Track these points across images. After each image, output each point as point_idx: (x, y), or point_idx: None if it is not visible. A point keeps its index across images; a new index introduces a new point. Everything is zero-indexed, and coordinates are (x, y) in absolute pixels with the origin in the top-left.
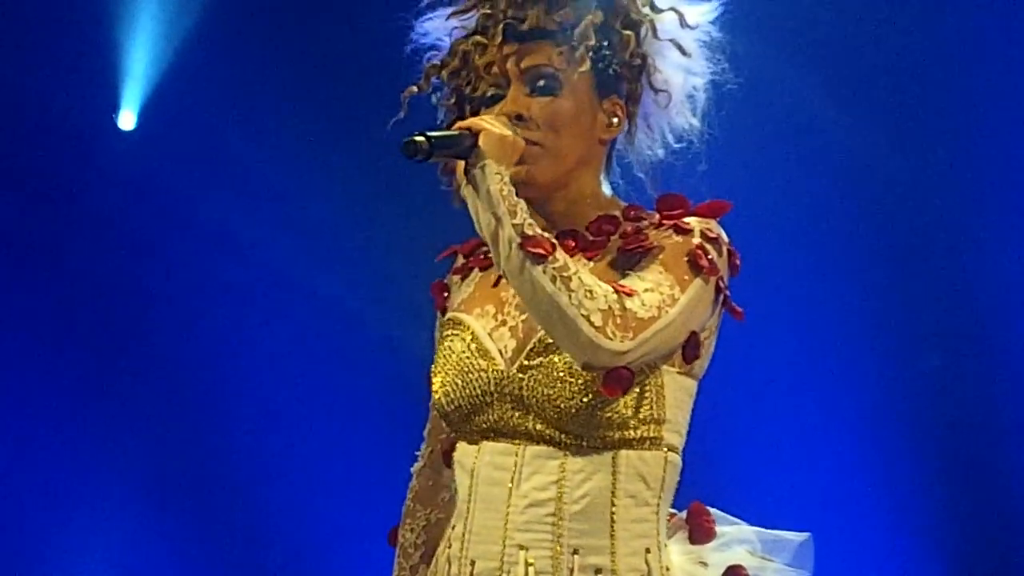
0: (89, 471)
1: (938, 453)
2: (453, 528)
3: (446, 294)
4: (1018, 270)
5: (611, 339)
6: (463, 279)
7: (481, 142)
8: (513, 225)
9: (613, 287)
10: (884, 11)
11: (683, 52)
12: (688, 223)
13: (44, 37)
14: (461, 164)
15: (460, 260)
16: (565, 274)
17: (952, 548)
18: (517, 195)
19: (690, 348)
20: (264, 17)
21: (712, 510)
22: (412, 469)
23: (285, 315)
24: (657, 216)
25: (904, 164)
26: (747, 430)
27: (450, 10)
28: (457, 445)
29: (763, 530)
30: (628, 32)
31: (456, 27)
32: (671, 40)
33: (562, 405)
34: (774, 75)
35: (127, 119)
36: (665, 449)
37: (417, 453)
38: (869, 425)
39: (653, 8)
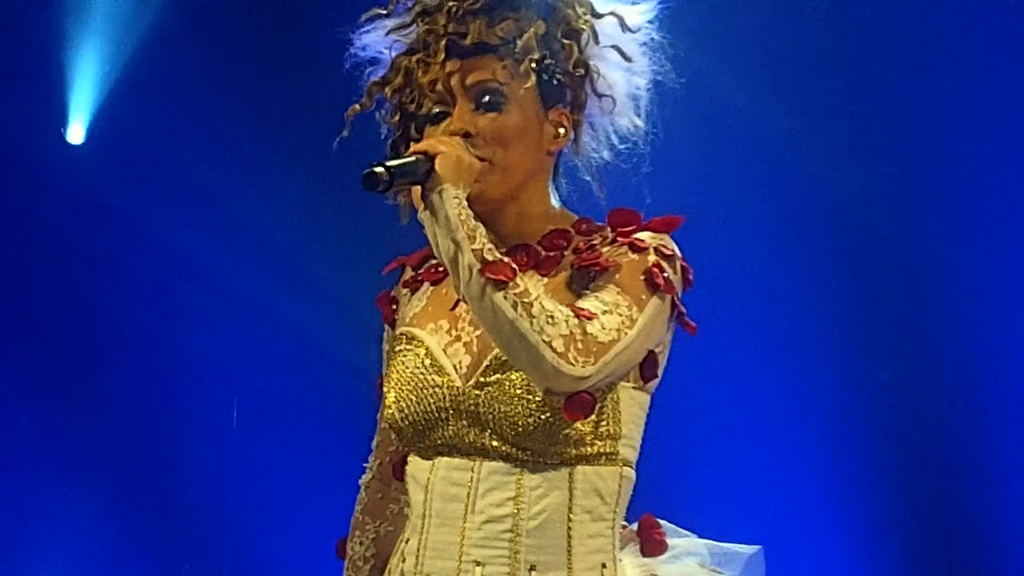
0: (43, 484)
1: (892, 466)
2: (406, 543)
3: (394, 307)
4: (972, 283)
5: (573, 365)
6: (412, 292)
7: (438, 166)
8: (472, 250)
9: (573, 311)
10: (840, 13)
11: (625, 58)
12: (643, 240)
13: None
14: (417, 189)
15: (408, 273)
16: (526, 300)
17: (906, 561)
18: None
19: (648, 367)
20: (215, 30)
21: (663, 523)
22: (360, 481)
23: (235, 329)
24: (609, 231)
25: (860, 176)
26: (699, 442)
27: (389, 25)
28: (410, 459)
29: (714, 543)
30: (570, 42)
31: (396, 40)
32: (613, 46)
33: (520, 422)
34: (725, 78)
35: (76, 132)
36: (621, 464)
37: (365, 465)
38: (822, 438)
39: (594, 14)
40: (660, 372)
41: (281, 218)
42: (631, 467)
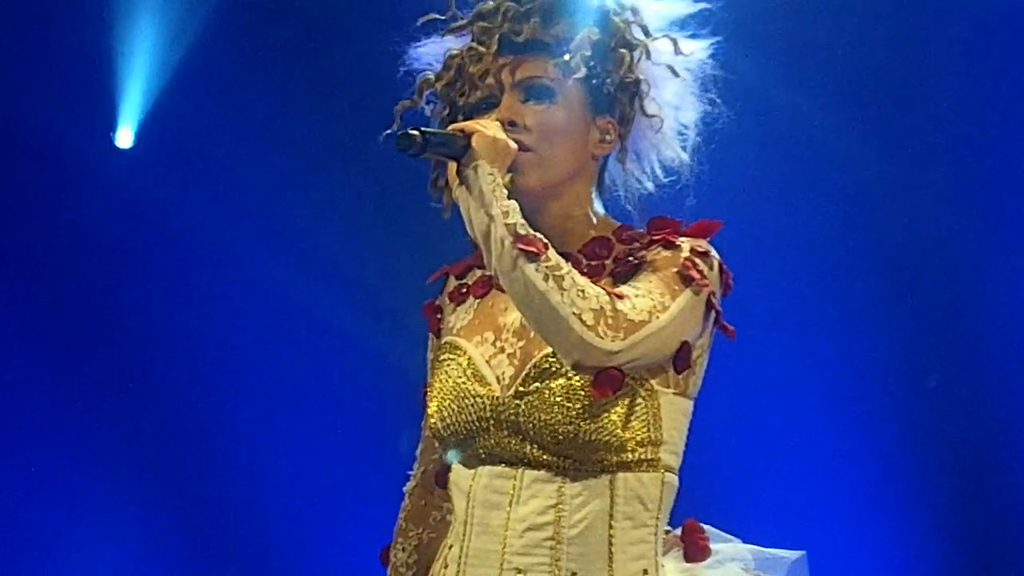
0: (79, 484)
1: (938, 472)
2: (450, 548)
3: (439, 316)
4: (1018, 289)
5: (602, 339)
6: (457, 305)
7: (474, 142)
8: (506, 224)
9: (604, 289)
10: (880, 28)
11: (675, 74)
12: (676, 240)
13: (44, 56)
14: (453, 165)
15: (452, 283)
16: (557, 273)
17: (951, 568)
18: (529, 210)
19: (681, 359)
20: (261, 36)
21: (706, 527)
22: (404, 488)
23: (279, 331)
24: (647, 237)
25: (904, 183)
26: (743, 448)
27: (444, 31)
28: (453, 467)
29: (757, 548)
30: (623, 51)
31: (450, 49)
32: (666, 64)
33: (560, 430)
34: (768, 95)
35: (125, 137)
36: (663, 470)
37: (410, 473)
38: (866, 444)
39: (647, 34)
40: (699, 376)
41: (330, 222)
42: (674, 473)
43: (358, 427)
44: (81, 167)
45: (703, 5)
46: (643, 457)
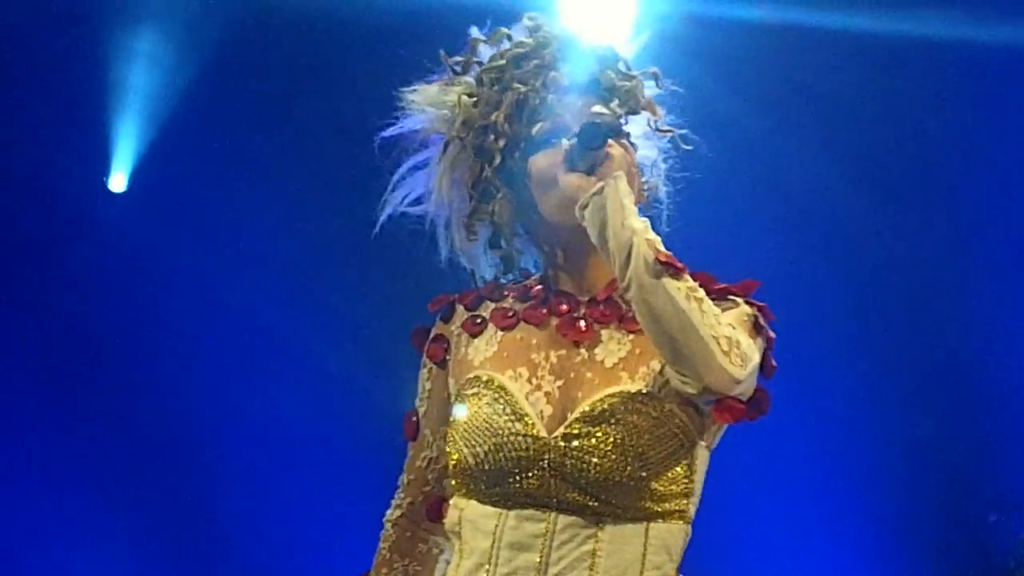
0: (79, 500)
1: (932, 519)
2: None
3: (445, 346)
4: (1010, 341)
5: (734, 366)
6: (473, 335)
7: (615, 152)
8: (647, 239)
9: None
10: (880, 85)
11: (658, 128)
12: (732, 296)
13: (39, 102)
14: (573, 176)
15: (463, 314)
16: (697, 295)
17: None
18: (576, 240)
19: (757, 405)
20: (254, 84)
21: None
22: (386, 518)
23: (267, 367)
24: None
25: (898, 238)
26: (735, 497)
27: (437, 81)
28: (462, 503)
29: None
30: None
31: (443, 100)
32: (652, 128)
33: (615, 477)
34: (756, 136)
35: (118, 181)
36: (687, 522)
37: (393, 502)
38: (864, 492)
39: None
40: (722, 426)
41: (316, 263)
42: (690, 525)
43: (343, 458)
44: (75, 210)
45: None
46: (676, 508)
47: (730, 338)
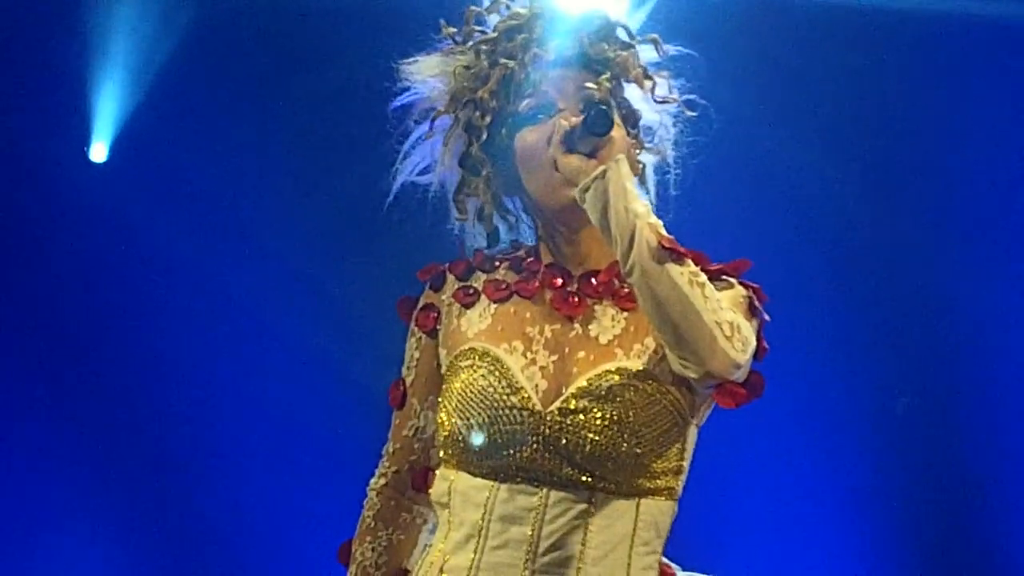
0: (64, 491)
1: (905, 494)
2: (447, 558)
3: (435, 315)
4: (983, 317)
5: (735, 351)
6: (465, 307)
7: (616, 135)
8: (650, 224)
9: None
10: (862, 70)
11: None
12: (727, 277)
13: (18, 71)
14: (573, 159)
15: (454, 283)
16: (700, 280)
17: None
18: (566, 217)
19: (754, 387)
20: (235, 54)
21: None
22: (370, 486)
23: (249, 342)
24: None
25: (873, 212)
26: (709, 478)
27: (472, 44)
28: (451, 474)
29: None
30: (644, 80)
31: (440, 76)
32: (655, 100)
33: (612, 453)
34: (740, 120)
35: (99, 151)
36: (675, 499)
37: (377, 471)
38: (839, 471)
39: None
40: (710, 405)
41: (298, 236)
42: (677, 503)
43: (325, 435)
44: (55, 180)
45: (680, 49)
46: (667, 485)
47: (732, 323)
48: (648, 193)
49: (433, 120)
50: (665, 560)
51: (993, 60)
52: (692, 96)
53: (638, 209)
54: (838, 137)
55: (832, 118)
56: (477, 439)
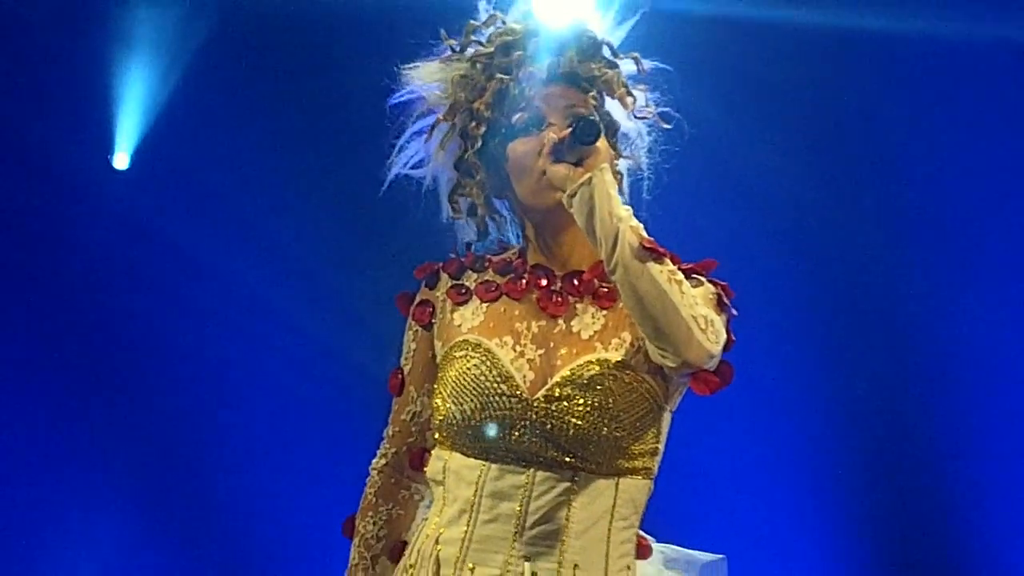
0: (76, 492)
1: (865, 477)
2: (442, 531)
3: (431, 310)
4: (941, 309)
5: (709, 343)
6: (457, 304)
7: (600, 145)
8: (632, 227)
9: None
10: (825, 67)
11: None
12: (696, 275)
13: (43, 81)
14: (560, 167)
15: (447, 281)
16: (677, 278)
17: (879, 568)
18: (551, 219)
19: (724, 374)
20: (253, 63)
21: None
22: (372, 466)
23: (264, 340)
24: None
25: (835, 213)
26: (678, 455)
27: (472, 56)
28: (445, 454)
29: (674, 547)
30: (625, 96)
31: (439, 83)
32: (633, 114)
33: (594, 436)
34: (711, 125)
35: (121, 159)
36: (651, 478)
37: (378, 452)
38: (800, 450)
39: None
40: (683, 392)
41: (309, 238)
42: (653, 481)
43: (331, 420)
44: (79, 187)
45: (657, 64)
46: (644, 465)
47: (706, 317)
48: (623, 195)
49: (433, 128)
50: (642, 533)
51: (952, 74)
52: (667, 109)
53: (621, 213)
54: (802, 144)
55: (796, 127)
56: (469, 423)
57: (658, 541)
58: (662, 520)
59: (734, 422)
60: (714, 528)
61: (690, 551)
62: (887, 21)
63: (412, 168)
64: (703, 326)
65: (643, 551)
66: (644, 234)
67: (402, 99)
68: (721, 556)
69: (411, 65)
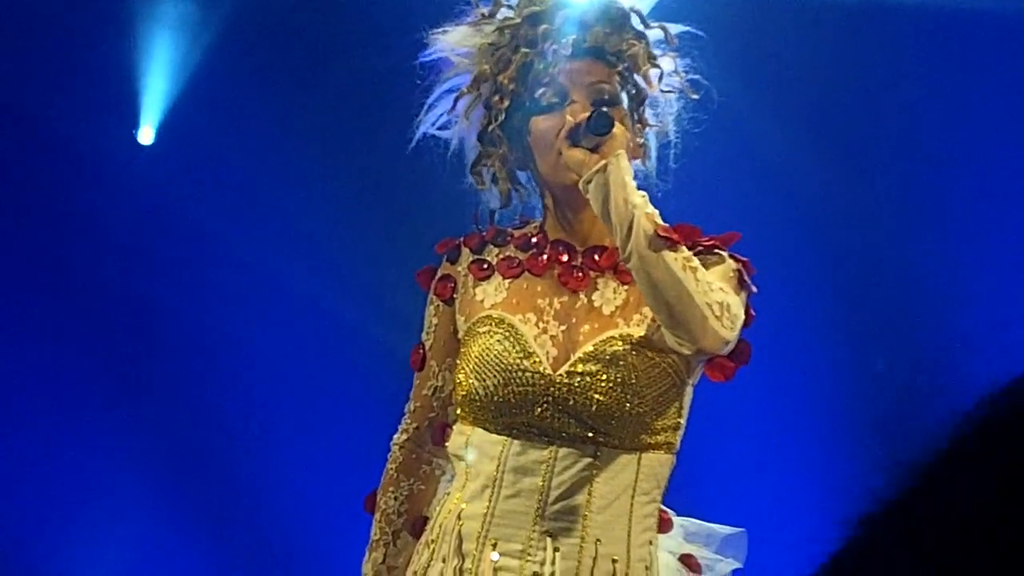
0: (99, 471)
1: (878, 453)
2: (464, 506)
3: (452, 285)
4: (952, 285)
5: (724, 329)
6: (480, 279)
7: (617, 131)
8: (647, 214)
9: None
10: (849, 59)
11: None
12: (719, 251)
13: (72, 61)
14: (579, 151)
15: (469, 256)
16: (692, 264)
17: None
18: (570, 195)
19: (740, 355)
20: (274, 41)
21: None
22: (394, 441)
23: (284, 313)
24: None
25: (850, 188)
26: (698, 430)
27: (496, 26)
28: (468, 429)
29: (694, 520)
30: (648, 68)
31: (468, 49)
32: (663, 85)
33: (616, 411)
34: (730, 106)
35: (146, 134)
36: (674, 453)
37: (399, 427)
38: (819, 426)
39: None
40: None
41: (333, 216)
42: (675, 456)
43: (354, 395)
44: (105, 162)
45: (685, 28)
46: (666, 440)
47: (721, 303)
48: (650, 160)
49: (457, 98)
50: (663, 507)
51: (979, 53)
52: (697, 76)
53: (636, 200)
54: (822, 120)
55: (819, 103)
56: (492, 398)
57: (678, 515)
58: (682, 494)
59: (754, 398)
60: (734, 502)
61: (710, 524)
62: None
63: (439, 129)
64: (718, 313)
65: (664, 525)
66: (659, 221)
67: (431, 58)
68: (741, 529)
69: (440, 29)
